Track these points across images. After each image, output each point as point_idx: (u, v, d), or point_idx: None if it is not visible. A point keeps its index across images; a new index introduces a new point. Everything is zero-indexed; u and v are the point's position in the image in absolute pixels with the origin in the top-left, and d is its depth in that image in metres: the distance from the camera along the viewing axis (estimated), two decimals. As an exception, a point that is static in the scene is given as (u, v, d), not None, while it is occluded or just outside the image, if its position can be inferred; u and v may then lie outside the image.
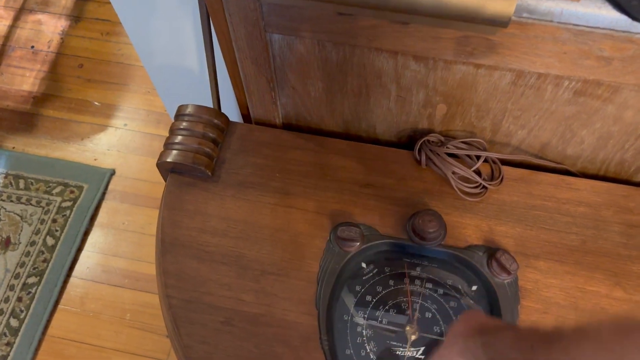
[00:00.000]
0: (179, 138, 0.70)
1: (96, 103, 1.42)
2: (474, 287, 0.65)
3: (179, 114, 0.72)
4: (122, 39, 1.53)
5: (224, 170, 0.71)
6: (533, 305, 0.62)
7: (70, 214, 1.25)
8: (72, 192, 1.28)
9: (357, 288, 0.65)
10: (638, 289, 0.62)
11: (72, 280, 1.20)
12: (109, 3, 1.60)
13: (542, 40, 0.51)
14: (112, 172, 1.32)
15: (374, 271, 0.66)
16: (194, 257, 0.66)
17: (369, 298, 0.65)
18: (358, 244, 0.65)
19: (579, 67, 0.53)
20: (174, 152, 0.69)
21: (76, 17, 1.57)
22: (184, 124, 0.71)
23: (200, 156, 0.69)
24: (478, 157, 0.68)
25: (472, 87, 0.61)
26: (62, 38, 1.52)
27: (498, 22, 0.45)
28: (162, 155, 0.70)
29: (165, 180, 0.72)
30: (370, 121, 0.72)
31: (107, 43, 1.52)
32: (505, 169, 0.70)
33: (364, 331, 0.63)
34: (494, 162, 0.70)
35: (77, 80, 1.46)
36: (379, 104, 0.68)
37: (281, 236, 0.67)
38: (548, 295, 0.62)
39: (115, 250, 1.23)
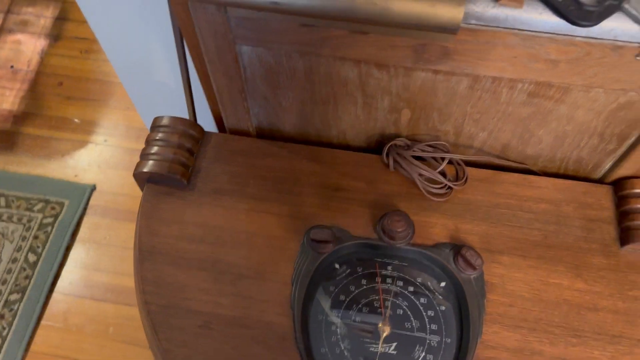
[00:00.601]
0: (155, 149, 0.72)
1: (76, 120, 1.44)
2: (443, 284, 0.67)
3: (155, 126, 0.75)
4: (101, 56, 1.54)
5: (199, 178, 0.73)
6: (499, 298, 0.65)
7: (51, 230, 1.26)
8: (53, 208, 1.29)
9: (331, 288, 0.68)
10: (598, 280, 0.65)
11: (54, 295, 1.20)
12: (88, 22, 1.62)
13: (493, 45, 0.54)
14: (93, 188, 1.34)
15: (347, 271, 0.69)
16: (172, 264, 0.67)
17: (342, 297, 0.67)
18: (331, 245, 0.67)
19: (529, 70, 0.57)
20: (150, 162, 0.71)
21: (55, 36, 1.58)
22: (160, 135, 0.73)
23: (176, 165, 0.71)
24: (443, 159, 0.71)
25: (433, 92, 0.64)
26: (41, 57, 1.54)
27: (449, 29, 0.49)
28: (139, 165, 0.72)
29: (142, 191, 0.74)
30: (341, 128, 0.75)
31: (86, 61, 1.54)
32: (470, 170, 0.73)
33: (338, 330, 0.65)
34: (458, 163, 0.73)
35: (56, 98, 1.47)
36: (347, 111, 0.71)
37: (256, 240, 0.69)
38: (513, 289, 0.65)
39: (97, 265, 1.24)
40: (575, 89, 0.59)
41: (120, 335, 1.16)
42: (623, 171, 0.70)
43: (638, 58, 0.51)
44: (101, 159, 1.38)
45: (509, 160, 0.73)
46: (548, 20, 0.49)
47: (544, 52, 0.54)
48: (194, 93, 0.77)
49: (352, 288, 0.68)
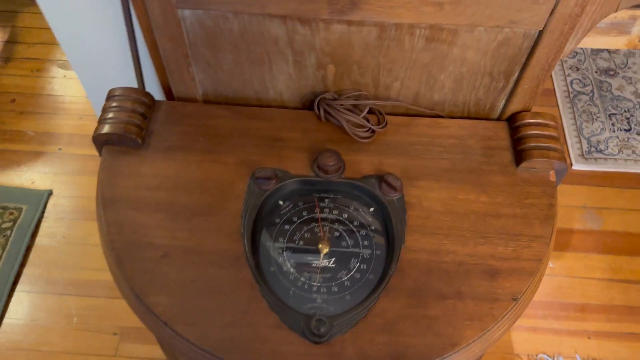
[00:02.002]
0: (110, 114, 0.81)
1: (30, 132, 1.50)
2: (372, 209, 0.78)
3: (110, 96, 0.83)
4: (52, 74, 1.62)
5: (153, 139, 0.82)
6: (417, 213, 0.76)
7: (10, 234, 1.30)
8: (11, 213, 1.34)
9: (277, 220, 0.77)
10: (499, 194, 0.78)
11: (16, 294, 1.24)
12: (38, 44, 1.70)
13: (389, -7, 0.67)
14: (50, 193, 1.39)
15: (290, 206, 0.78)
16: (132, 209, 0.76)
17: (286, 227, 0.77)
18: (273, 182, 0.77)
19: (421, 13, 0.70)
20: (107, 125, 0.80)
21: (6, 58, 1.65)
22: (115, 102, 0.82)
23: (130, 127, 0.80)
24: (365, 106, 0.83)
25: (349, 45, 0.76)
26: (-8, 78, 1.60)
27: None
28: (97, 129, 0.80)
29: (100, 154, 0.83)
30: (277, 89, 0.86)
31: (37, 79, 1.61)
32: (390, 118, 0.85)
33: (284, 252, 0.74)
34: (379, 112, 0.85)
35: (10, 113, 1.53)
36: (281, 71, 0.82)
37: (208, 185, 0.78)
38: (428, 205, 0.76)
39: (57, 263, 1.28)
40: (461, 30, 0.72)
41: (84, 324, 1.20)
42: (514, 107, 0.84)
43: (498, -9, 0.64)
44: (56, 166, 1.44)
45: (421, 108, 0.86)
46: (425, -37, 0.62)
47: (430, -5, 0.67)
48: (145, 72, 0.87)
49: (295, 219, 0.77)
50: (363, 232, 0.76)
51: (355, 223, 0.77)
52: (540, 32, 0.71)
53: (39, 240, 1.32)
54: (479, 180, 0.79)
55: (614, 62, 1.66)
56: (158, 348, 1.19)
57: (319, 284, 0.72)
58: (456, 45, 0.75)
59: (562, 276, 1.29)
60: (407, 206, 0.76)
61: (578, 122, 1.53)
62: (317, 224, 0.77)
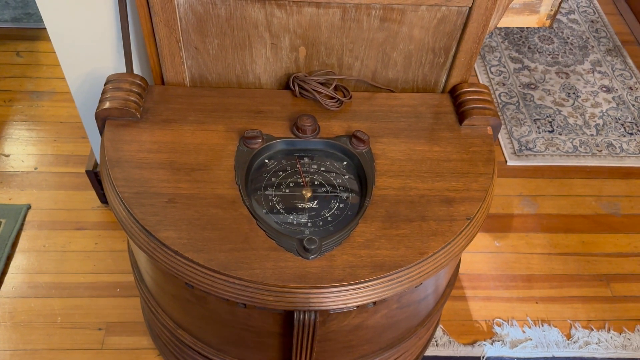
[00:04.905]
0: (110, 94, 0.92)
1: (5, 155, 1.56)
2: (345, 162, 0.92)
3: (108, 81, 0.95)
4: (24, 103, 1.70)
5: (149, 114, 0.94)
6: (383, 162, 0.90)
7: (-11, 245, 1.34)
8: (-11, 227, 1.38)
9: (264, 175, 0.89)
10: (448, 145, 0.93)
11: (-2, 300, 1.27)
12: (9, 77, 1.78)
13: (350, -23, 0.84)
14: (28, 207, 1.44)
15: (274, 163, 0.91)
16: (137, 167, 0.86)
17: (274, 180, 0.89)
18: (260, 141, 0.90)
19: (376, -5, 0.87)
20: (108, 102, 0.91)
21: (-24, 91, 1.72)
22: (113, 85, 0.94)
23: (129, 102, 0.92)
24: (334, 80, 0.98)
25: (318, 26, 0.92)
26: (-37, 109, 1.66)
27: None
28: (99, 106, 0.91)
29: (101, 131, 0.93)
30: (256, 73, 1.00)
31: (10, 108, 1.68)
32: (353, 93, 1.00)
33: (274, 198, 0.86)
34: (344, 88, 1.00)
35: (-17, 139, 1.59)
36: (260, 54, 0.97)
37: (202, 147, 0.90)
38: (392, 156, 0.91)
39: (39, 269, 1.32)
40: (408, 9, 0.90)
41: (69, 322, 1.24)
42: (453, 80, 1.01)
43: (435, -29, 0.82)
44: (33, 184, 1.49)
45: (378, 85, 1.02)
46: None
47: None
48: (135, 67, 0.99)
49: (280, 173, 0.90)
50: (339, 180, 0.89)
51: (332, 174, 0.90)
52: (470, 9, 0.90)
53: (19, 249, 1.35)
54: (431, 136, 0.95)
55: (534, 78, 1.91)
56: (144, 338, 1.24)
57: (306, 221, 0.84)
58: (404, 24, 0.92)
59: (508, 253, 1.45)
60: (374, 157, 0.90)
61: (508, 127, 1.74)
62: (299, 176, 0.90)
